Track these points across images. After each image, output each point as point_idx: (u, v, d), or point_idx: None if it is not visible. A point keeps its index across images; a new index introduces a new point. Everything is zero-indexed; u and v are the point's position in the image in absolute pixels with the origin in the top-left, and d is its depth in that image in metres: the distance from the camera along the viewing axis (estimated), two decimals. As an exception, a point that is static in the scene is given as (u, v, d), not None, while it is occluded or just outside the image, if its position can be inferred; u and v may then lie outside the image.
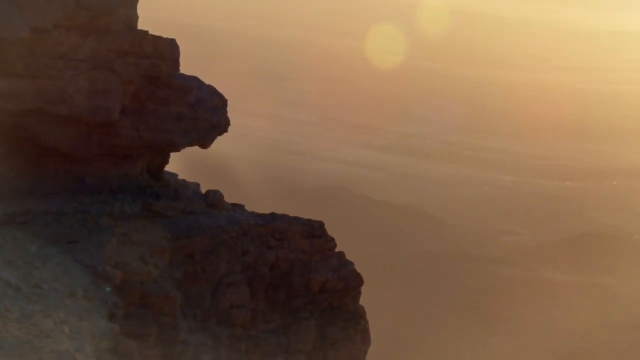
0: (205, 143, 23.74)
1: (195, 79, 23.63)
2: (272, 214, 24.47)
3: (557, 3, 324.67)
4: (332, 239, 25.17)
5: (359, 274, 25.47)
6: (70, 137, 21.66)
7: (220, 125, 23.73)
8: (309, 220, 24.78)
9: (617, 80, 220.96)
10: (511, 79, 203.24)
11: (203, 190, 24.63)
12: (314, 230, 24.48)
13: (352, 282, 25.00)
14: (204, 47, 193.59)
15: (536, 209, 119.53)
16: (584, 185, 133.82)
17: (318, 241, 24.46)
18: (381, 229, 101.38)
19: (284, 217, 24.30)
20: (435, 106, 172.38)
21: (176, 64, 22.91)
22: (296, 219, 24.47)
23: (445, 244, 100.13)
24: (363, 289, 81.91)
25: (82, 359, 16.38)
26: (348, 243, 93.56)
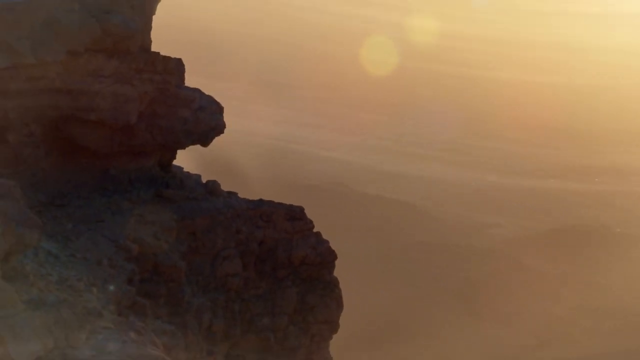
0: (205, 142, 24.96)
1: (197, 90, 24.83)
2: (261, 200, 25.51)
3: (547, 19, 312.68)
4: (311, 222, 26.01)
5: (333, 251, 26.25)
6: (98, 137, 22.93)
7: (217, 127, 24.92)
8: (291, 205, 25.81)
9: (599, 84, 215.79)
10: (499, 84, 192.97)
11: (204, 180, 25.63)
12: (295, 214, 25.57)
13: (327, 257, 26.03)
14: (214, 54, 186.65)
15: (522, 204, 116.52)
16: (567, 183, 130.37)
17: (299, 223, 25.54)
18: (376, 222, 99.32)
19: (270, 203, 25.42)
20: (426, 110, 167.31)
21: (182, 78, 24.27)
22: (280, 204, 25.53)
23: (436, 236, 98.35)
24: (358, 276, 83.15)
25: (107, 314, 17.43)
26: (345, 235, 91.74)
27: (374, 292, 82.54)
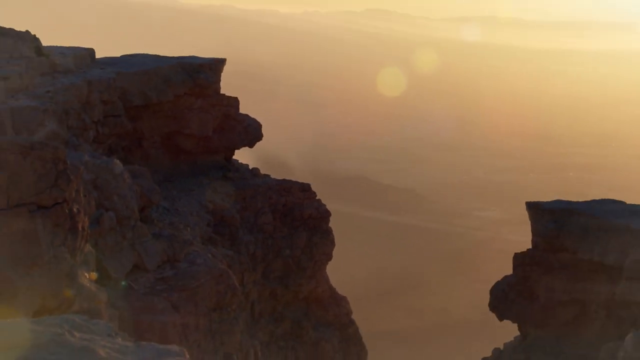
0: (251, 145, 28.52)
1: (246, 115, 28.40)
2: (284, 179, 28.84)
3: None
4: (315, 193, 29.07)
5: (328, 210, 29.07)
6: (190, 143, 26.59)
7: (258, 137, 28.68)
8: (302, 182, 29.17)
9: (571, 95, 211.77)
10: (486, 99, 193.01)
11: (250, 167, 28.97)
12: (305, 188, 29.02)
13: (325, 214, 29.29)
14: (266, 85, 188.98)
15: (505, 194, 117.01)
16: (544, 176, 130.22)
17: (307, 193, 29.09)
18: (387, 204, 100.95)
19: (290, 181, 28.94)
20: (427, 120, 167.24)
21: (237, 108, 28.00)
22: (296, 182, 28.95)
23: (434, 216, 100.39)
24: (374, 245, 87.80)
25: (197, 244, 20.62)
26: (364, 214, 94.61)
27: (385, 257, 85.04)
